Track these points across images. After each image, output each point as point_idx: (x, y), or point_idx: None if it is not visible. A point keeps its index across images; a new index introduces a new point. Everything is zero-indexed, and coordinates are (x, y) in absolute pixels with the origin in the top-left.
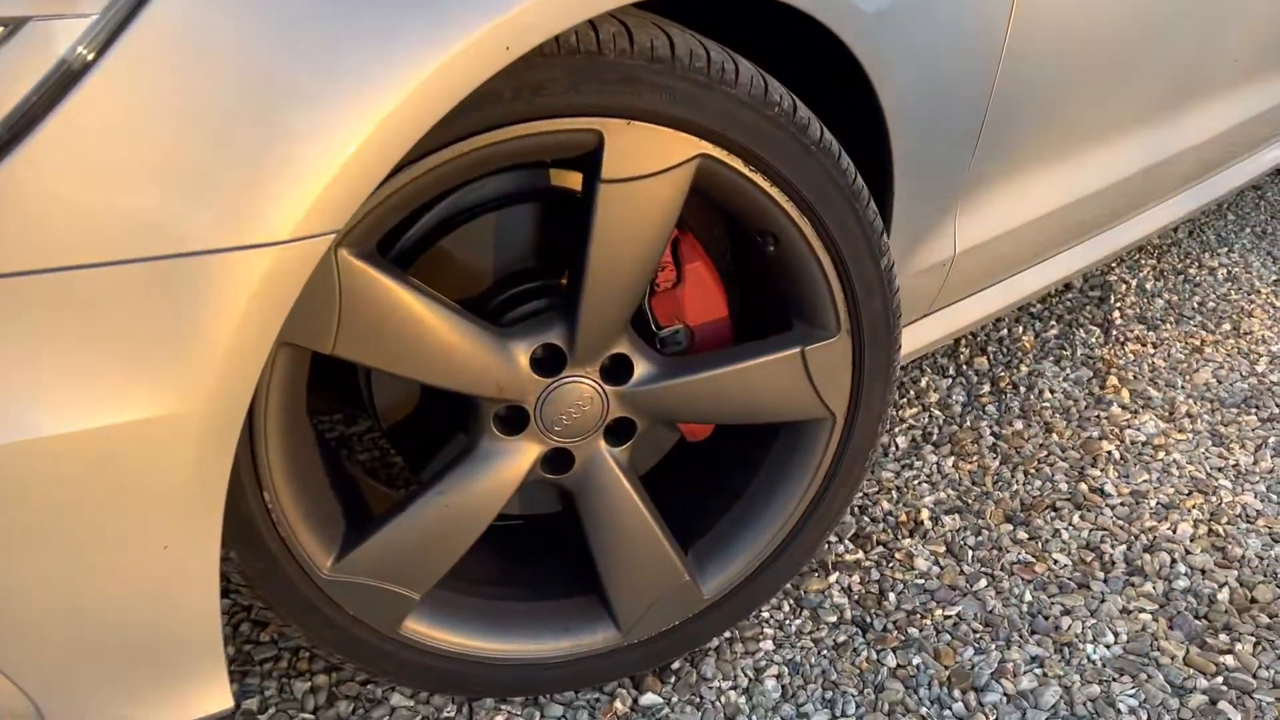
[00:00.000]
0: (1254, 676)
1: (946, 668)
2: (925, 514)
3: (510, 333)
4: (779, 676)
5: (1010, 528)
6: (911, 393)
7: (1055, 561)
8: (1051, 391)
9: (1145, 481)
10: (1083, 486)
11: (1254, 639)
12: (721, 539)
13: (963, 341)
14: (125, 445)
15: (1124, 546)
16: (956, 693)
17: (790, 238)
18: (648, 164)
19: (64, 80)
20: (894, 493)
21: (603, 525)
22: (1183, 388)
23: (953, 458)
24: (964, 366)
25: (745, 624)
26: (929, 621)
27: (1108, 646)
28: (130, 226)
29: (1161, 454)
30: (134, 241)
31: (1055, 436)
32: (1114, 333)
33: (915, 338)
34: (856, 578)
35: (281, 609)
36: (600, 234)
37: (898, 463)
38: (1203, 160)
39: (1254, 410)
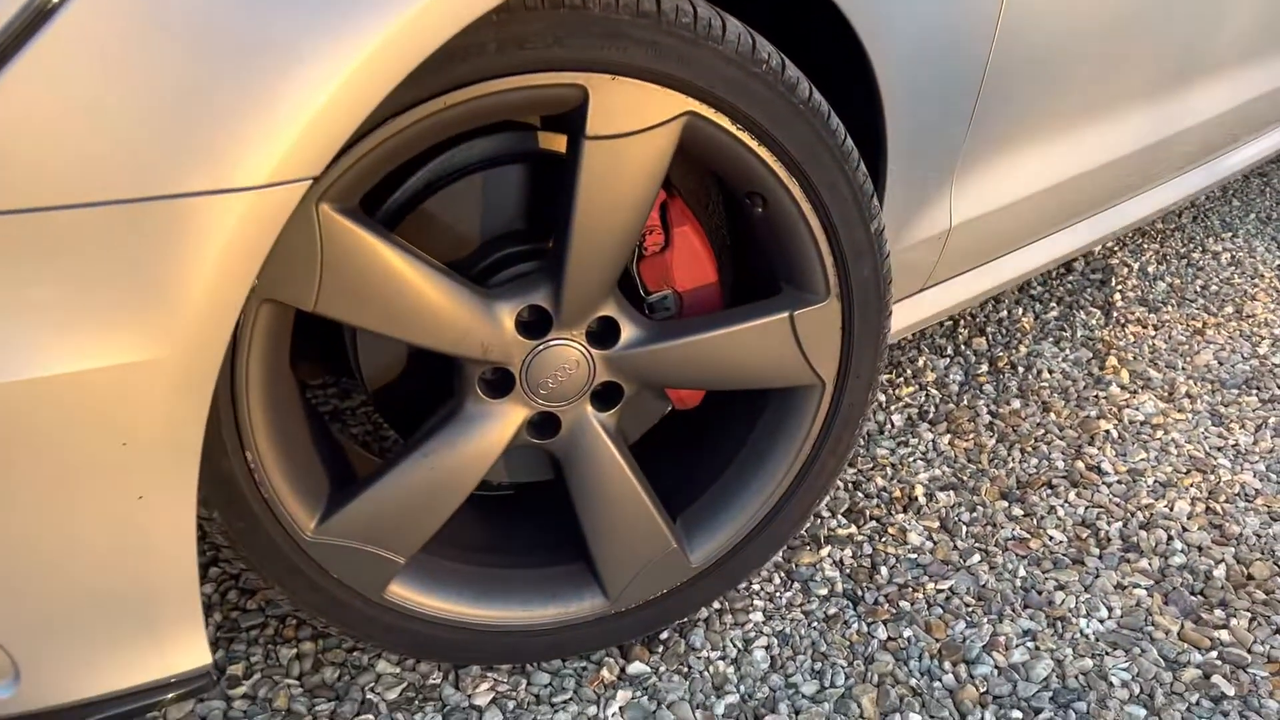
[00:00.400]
0: (1249, 651)
1: (937, 641)
2: (920, 490)
3: (496, 294)
4: (768, 647)
5: (1005, 504)
6: (909, 371)
7: (1050, 538)
8: (1050, 371)
9: (1143, 460)
10: (1079, 464)
11: (1249, 614)
12: (709, 507)
13: (961, 321)
14: (98, 391)
15: (1120, 523)
16: (947, 665)
17: (778, 199)
18: (633, 121)
19: (34, 18)
20: (889, 469)
21: (589, 491)
22: (1183, 369)
23: (949, 435)
24: (962, 346)
25: (735, 595)
26: (921, 595)
27: (1101, 621)
28: (102, 168)
29: (1160, 433)
30: (106, 184)
31: (1053, 415)
32: (1115, 314)
33: (912, 312)
34: (848, 551)
35: (264, 571)
36: (585, 192)
37: (893, 440)
38: (1205, 141)
39: (1255, 391)
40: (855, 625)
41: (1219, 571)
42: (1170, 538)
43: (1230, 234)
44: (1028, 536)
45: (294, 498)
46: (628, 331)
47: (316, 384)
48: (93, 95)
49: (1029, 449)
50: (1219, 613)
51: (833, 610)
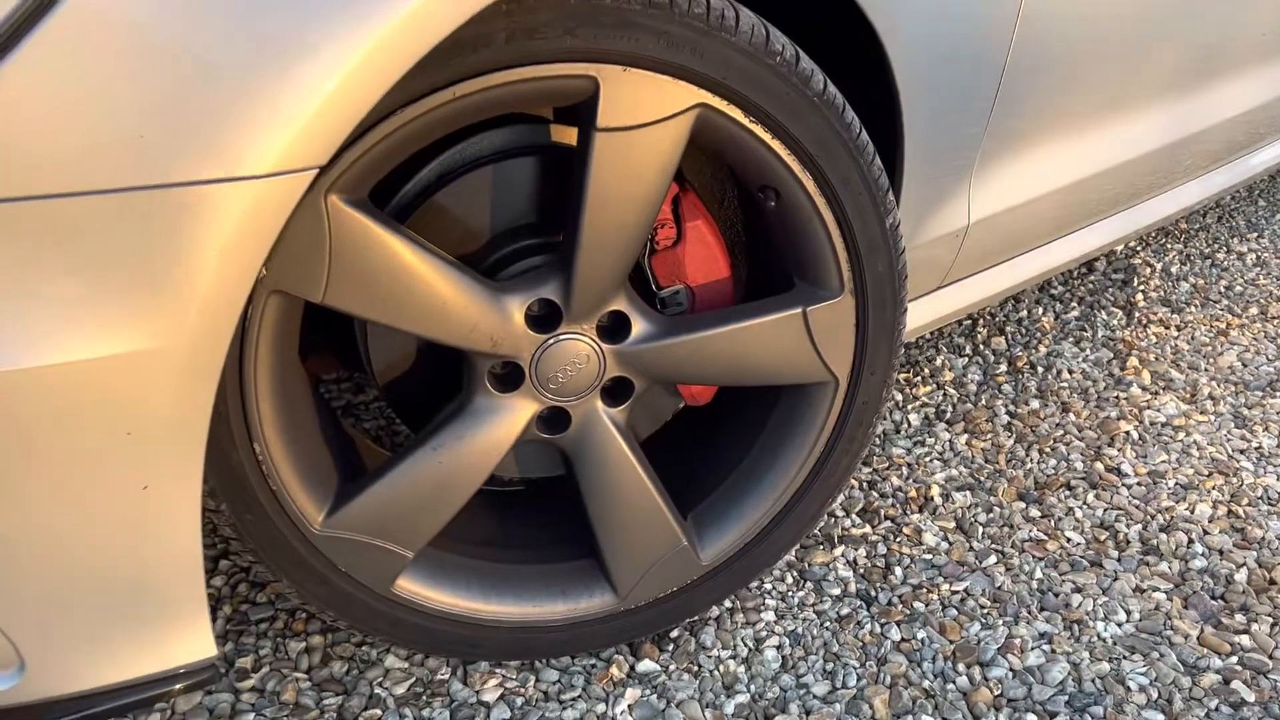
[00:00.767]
0: (1270, 657)
1: (952, 642)
2: (935, 490)
3: (505, 287)
4: (779, 647)
5: (1022, 505)
6: (926, 370)
7: (1068, 539)
8: (1070, 372)
9: (1164, 462)
10: (1099, 466)
11: (1271, 620)
12: (721, 505)
13: (980, 321)
14: (102, 380)
15: (1139, 526)
16: (961, 667)
17: (792, 193)
18: (644, 113)
19: (39, 5)
20: (904, 469)
21: (599, 487)
22: (1206, 370)
23: (966, 435)
24: (980, 346)
25: (746, 594)
26: (935, 596)
27: (1119, 625)
28: (108, 156)
29: (1181, 435)
30: (112, 171)
31: (1072, 416)
32: (1136, 315)
33: (929, 310)
34: (862, 551)
35: (272, 563)
36: (596, 185)
37: (909, 439)
38: (1229, 139)
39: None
40: (868, 626)
41: (1240, 576)
42: (1191, 541)
43: (1255, 234)
44: (1045, 538)
45: (302, 490)
46: (639, 326)
47: (329, 378)
48: (99, 82)
49: (1047, 450)
50: (1240, 618)
51: (845, 610)
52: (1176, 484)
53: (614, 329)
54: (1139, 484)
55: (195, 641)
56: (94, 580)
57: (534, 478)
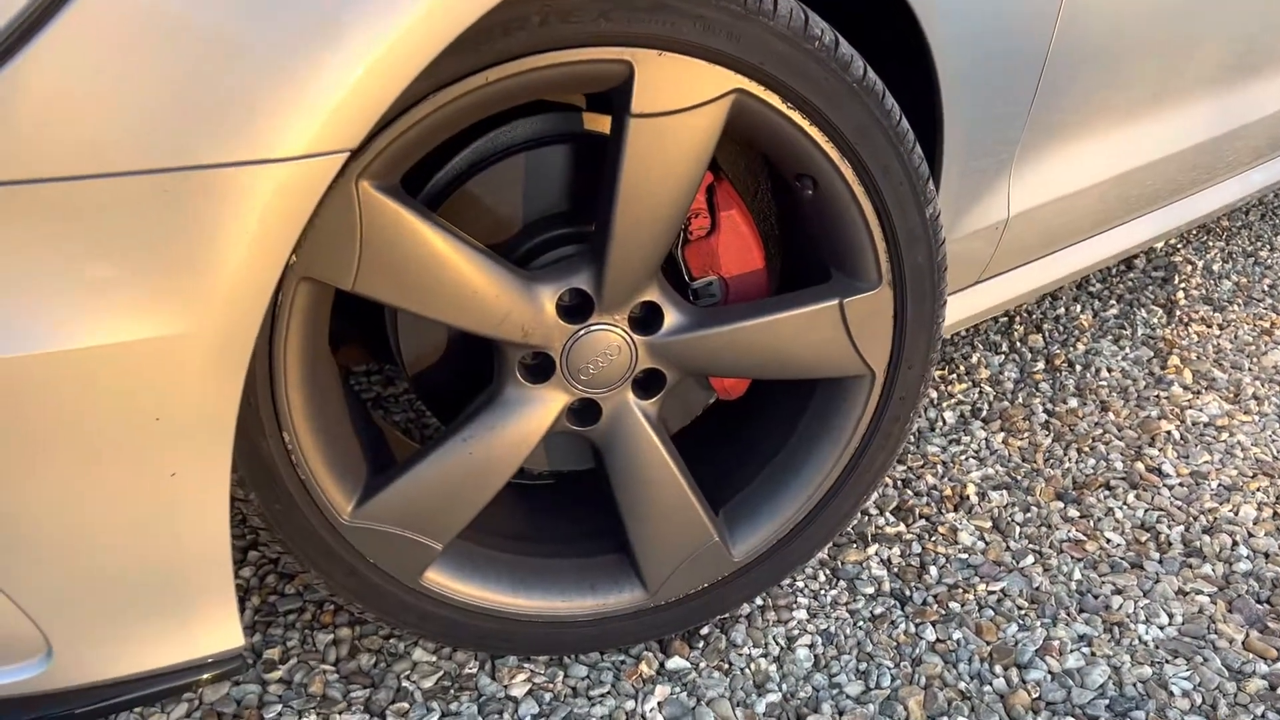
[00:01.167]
0: None
1: (988, 643)
2: (971, 489)
3: (537, 276)
4: (812, 646)
5: (1061, 505)
6: (961, 368)
7: (1107, 540)
8: (1109, 370)
9: (1206, 462)
10: (1139, 466)
11: None
12: (753, 501)
13: (1017, 318)
14: (130, 365)
15: (1181, 527)
16: (998, 668)
17: (829, 181)
18: (680, 98)
19: None
20: (939, 467)
21: (630, 480)
22: (1250, 369)
23: (1002, 434)
24: (1017, 343)
25: (778, 592)
26: (971, 596)
27: (1161, 628)
28: (136, 137)
29: (1225, 435)
30: (140, 153)
31: (1111, 415)
32: (1177, 313)
33: (966, 305)
34: (897, 550)
35: (301, 554)
36: (629, 172)
37: (944, 437)
38: (1274, 135)
39: None
40: (902, 625)
41: None
42: (1235, 543)
43: None
44: (1084, 539)
45: (331, 481)
46: (671, 317)
47: (359, 370)
48: (128, 62)
49: (1086, 449)
50: None
51: (879, 610)
52: (1220, 485)
53: (646, 320)
54: (1181, 485)
55: (223, 631)
56: (121, 568)
57: (564, 470)
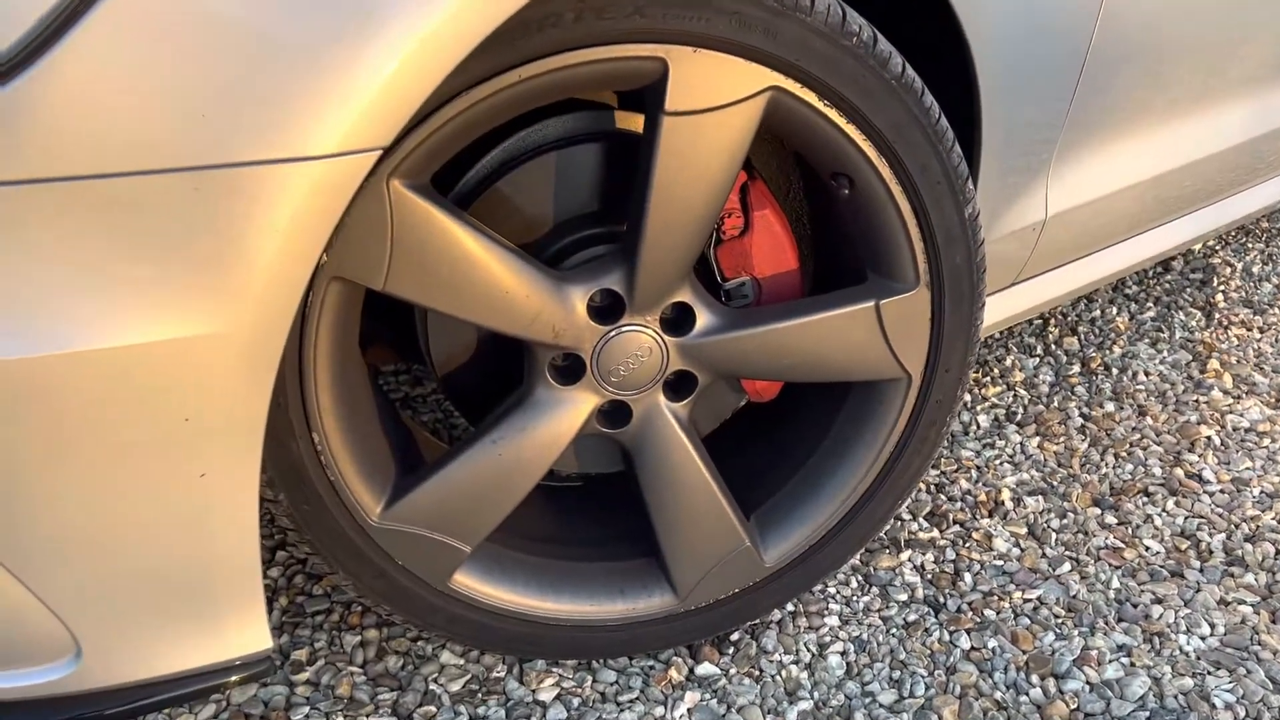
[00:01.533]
0: None
1: (1024, 652)
2: (1006, 494)
3: (568, 276)
4: (844, 653)
5: (1098, 511)
6: (996, 371)
7: (1146, 548)
8: (1146, 374)
9: (1248, 469)
10: (1178, 472)
11: None
12: (785, 505)
13: (1052, 320)
14: (160, 364)
15: (1223, 535)
16: (1034, 678)
17: (866, 180)
18: (715, 96)
19: None
20: (973, 472)
21: (660, 484)
22: None
23: (1038, 438)
24: (1052, 346)
25: (809, 598)
26: (1007, 604)
27: (1203, 638)
28: (170, 134)
29: (1267, 441)
30: (171, 150)
31: (1149, 420)
32: (1217, 316)
33: (1002, 308)
34: (930, 556)
35: (329, 555)
36: (662, 171)
37: (978, 441)
38: None
39: None
40: (936, 633)
41: None
42: (1278, 552)
43: None
44: (1122, 546)
45: (360, 482)
46: (703, 318)
47: (389, 370)
48: (160, 59)
49: (1124, 454)
50: None
51: (913, 617)
52: (1262, 492)
53: (678, 321)
54: (1222, 491)
55: (251, 633)
56: (150, 568)
57: (593, 473)
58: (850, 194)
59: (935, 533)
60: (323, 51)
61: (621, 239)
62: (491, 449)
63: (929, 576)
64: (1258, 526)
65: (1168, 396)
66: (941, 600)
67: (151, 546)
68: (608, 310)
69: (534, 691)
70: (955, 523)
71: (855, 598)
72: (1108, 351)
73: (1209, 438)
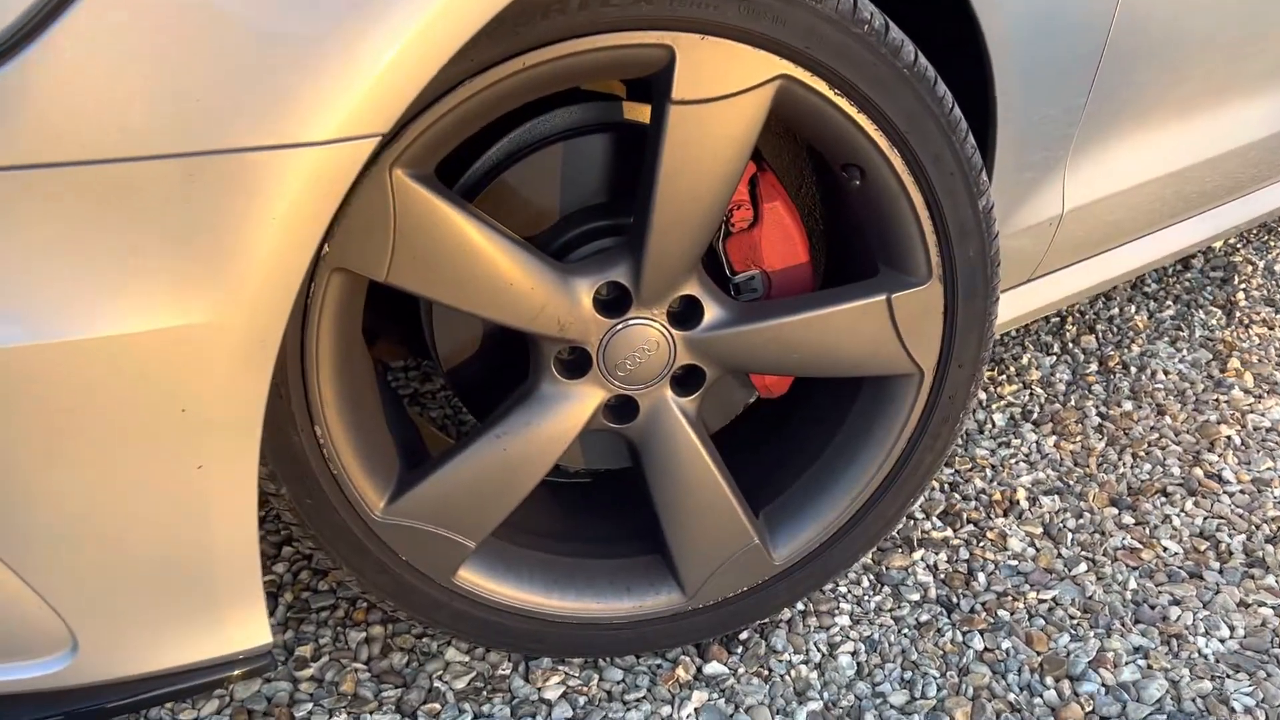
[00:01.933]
0: None
1: (1039, 654)
2: (1021, 494)
3: (573, 269)
4: (854, 653)
5: (1115, 512)
6: (1011, 369)
7: (1164, 549)
8: (1165, 373)
9: (1269, 469)
10: (1198, 472)
11: None
12: (795, 502)
13: (1069, 318)
14: (156, 354)
15: (1243, 536)
16: (1049, 680)
17: (878, 171)
18: (723, 84)
19: None
20: (988, 471)
21: (667, 480)
22: None
23: (1054, 437)
24: (1070, 344)
25: (820, 597)
26: (1021, 605)
27: (1222, 641)
28: (165, 119)
29: None
30: (168, 136)
31: (1168, 419)
32: (1238, 314)
33: (1017, 304)
34: (943, 556)
35: (332, 550)
36: (669, 161)
37: (993, 440)
38: None
39: None
40: (949, 634)
41: None
42: None
43: None
44: (1139, 546)
45: (363, 476)
46: (711, 312)
47: (398, 366)
48: (152, 44)
49: (1142, 454)
50: None
51: (925, 617)
52: None
53: (685, 315)
54: (1242, 492)
55: (251, 627)
56: (147, 561)
57: (600, 469)
58: (861, 185)
59: (949, 532)
60: (320, 35)
61: (628, 231)
62: (496, 443)
63: (942, 576)
64: (1279, 528)
65: (1187, 396)
66: (955, 600)
67: (148, 539)
68: (614, 303)
69: (539, 690)
70: (969, 522)
71: (867, 597)
72: (1126, 350)
73: (1229, 437)
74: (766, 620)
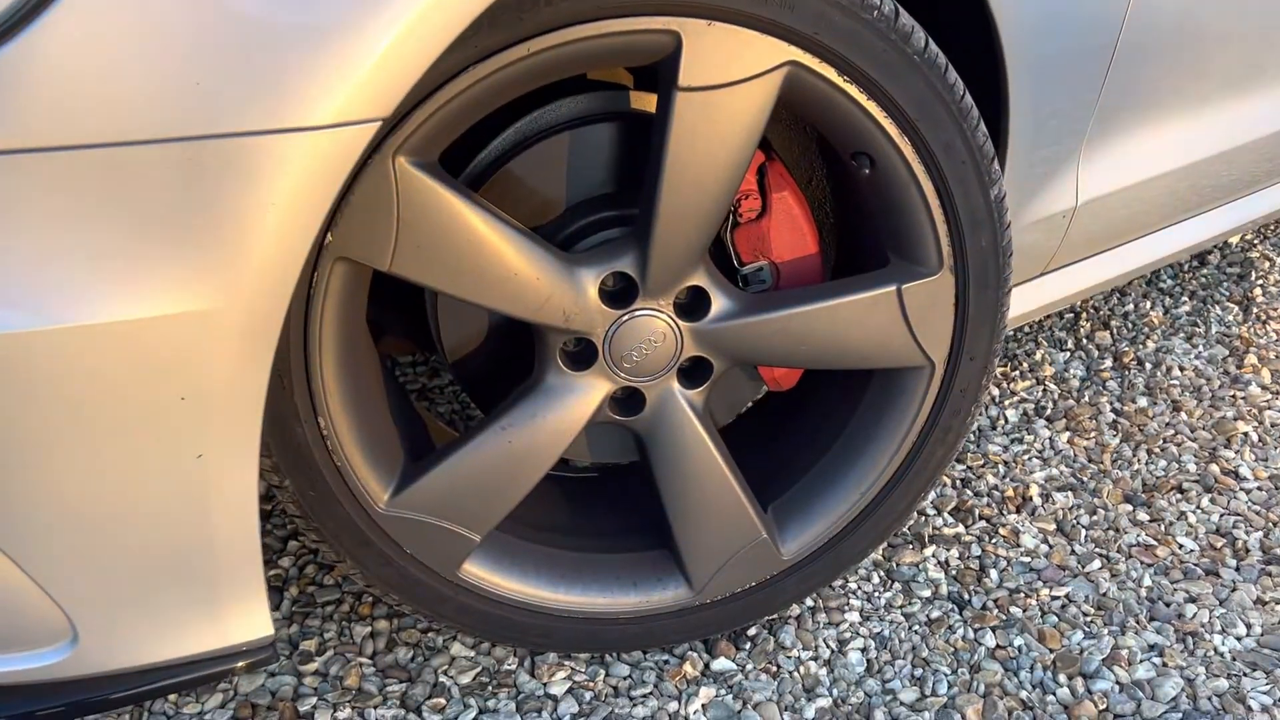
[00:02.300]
0: None
1: (1051, 651)
2: (1035, 490)
3: (579, 259)
4: (864, 650)
5: (1129, 508)
6: (1025, 365)
7: (1180, 546)
8: (1181, 369)
9: None
10: (1214, 468)
11: None
12: (804, 496)
13: (1084, 314)
14: (155, 341)
15: (1260, 533)
16: (1062, 678)
17: (888, 160)
18: (730, 71)
19: None
20: (1001, 467)
21: (674, 473)
22: None
23: (1068, 433)
24: (1084, 340)
25: (829, 593)
26: (1034, 601)
27: (1239, 638)
28: (163, 104)
29: None
30: (167, 120)
31: (1184, 415)
32: (1255, 311)
33: (1031, 298)
34: (955, 552)
35: (336, 543)
36: (675, 149)
37: (1006, 436)
38: None
39: None
40: (960, 630)
41: None
42: None
43: None
44: (1154, 543)
45: (367, 468)
46: (719, 303)
47: (407, 361)
48: (151, 27)
49: (1157, 450)
50: None
51: (936, 614)
52: None
53: (692, 306)
54: (1259, 488)
55: (252, 619)
56: (146, 551)
57: (607, 464)
58: (871, 174)
59: (960, 528)
60: (319, 18)
61: (635, 220)
62: (501, 436)
63: (954, 573)
64: None
65: (1203, 392)
66: (966, 597)
67: (147, 529)
68: (620, 294)
69: (545, 685)
70: (981, 518)
71: (877, 593)
72: (1141, 346)
73: (1246, 434)
74: (775, 616)
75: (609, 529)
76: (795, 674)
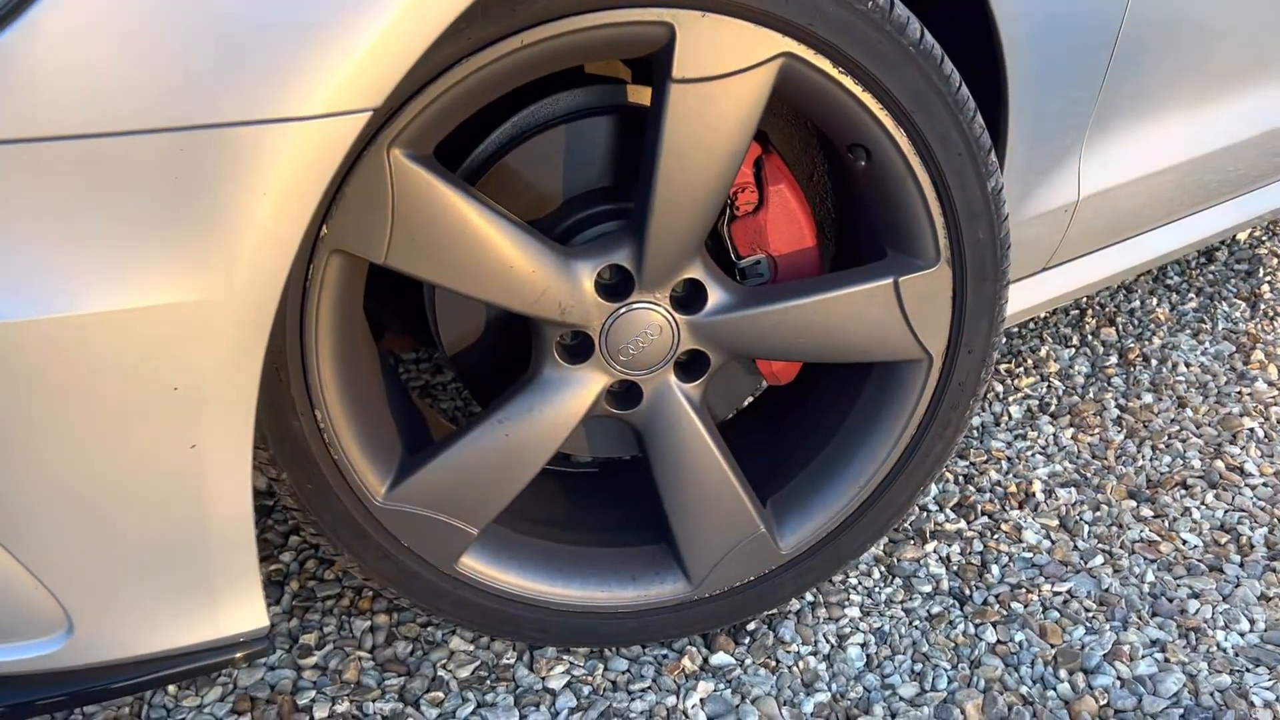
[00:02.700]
0: None
1: (1053, 646)
2: (1037, 486)
3: (574, 252)
4: (864, 645)
5: (1133, 504)
6: (1029, 361)
7: (1184, 541)
8: (1187, 365)
9: None
10: (1219, 464)
11: None
12: (802, 491)
13: (1089, 310)
14: (147, 331)
15: (1265, 529)
16: (1063, 673)
17: (884, 152)
18: (724, 62)
19: None
20: (1004, 463)
21: (672, 467)
22: None
23: (1072, 430)
24: (1089, 336)
25: (829, 588)
26: (1035, 597)
27: (1242, 635)
28: (149, 94)
29: None
30: (153, 110)
31: (1189, 411)
32: (1262, 307)
33: (1033, 294)
34: (956, 548)
35: (334, 536)
36: (670, 140)
37: (1009, 432)
38: None
39: None
40: (961, 626)
41: None
42: None
43: None
44: (1158, 539)
45: (365, 461)
46: (715, 296)
47: (409, 357)
48: (142, 17)
49: (1161, 446)
50: None
51: (937, 609)
52: None
53: (689, 299)
54: (1265, 485)
55: (247, 610)
56: (141, 541)
57: (606, 458)
58: (867, 166)
59: (962, 524)
60: (309, 9)
61: (631, 213)
62: (498, 429)
63: (955, 568)
64: None
65: (1209, 388)
66: (967, 592)
67: (141, 519)
68: (616, 287)
69: (544, 679)
70: (983, 514)
71: (877, 589)
72: (1147, 342)
73: (1251, 430)
74: (774, 611)
75: (607, 523)
76: (794, 668)
